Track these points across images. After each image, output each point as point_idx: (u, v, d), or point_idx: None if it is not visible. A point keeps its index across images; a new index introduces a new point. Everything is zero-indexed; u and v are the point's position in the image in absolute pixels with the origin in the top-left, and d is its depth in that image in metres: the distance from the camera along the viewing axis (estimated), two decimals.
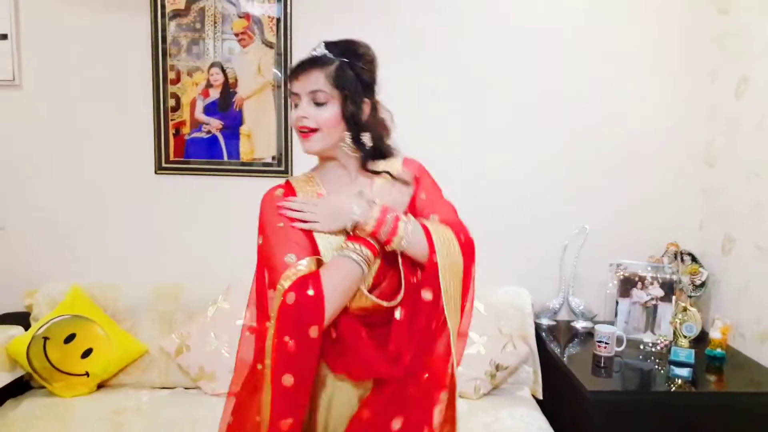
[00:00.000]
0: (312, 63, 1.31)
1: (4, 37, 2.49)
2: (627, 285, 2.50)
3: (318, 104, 1.31)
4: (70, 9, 2.50)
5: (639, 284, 2.48)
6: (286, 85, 2.55)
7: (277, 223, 1.30)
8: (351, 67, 1.33)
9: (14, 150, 2.56)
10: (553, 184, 2.67)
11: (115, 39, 2.53)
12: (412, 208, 1.40)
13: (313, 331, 1.19)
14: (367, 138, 1.36)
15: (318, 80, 1.30)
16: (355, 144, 1.35)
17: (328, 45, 1.34)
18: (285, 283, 1.22)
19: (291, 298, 1.19)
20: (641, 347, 2.40)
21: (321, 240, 1.31)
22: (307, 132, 1.32)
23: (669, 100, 2.64)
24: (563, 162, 2.66)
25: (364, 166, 1.39)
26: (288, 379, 1.20)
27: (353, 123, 1.33)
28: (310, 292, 1.19)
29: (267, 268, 1.31)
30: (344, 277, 1.24)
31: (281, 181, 1.43)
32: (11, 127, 2.55)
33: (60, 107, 2.56)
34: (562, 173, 2.67)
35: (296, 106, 1.33)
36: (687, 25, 2.60)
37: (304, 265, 1.24)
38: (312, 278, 1.21)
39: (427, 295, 1.30)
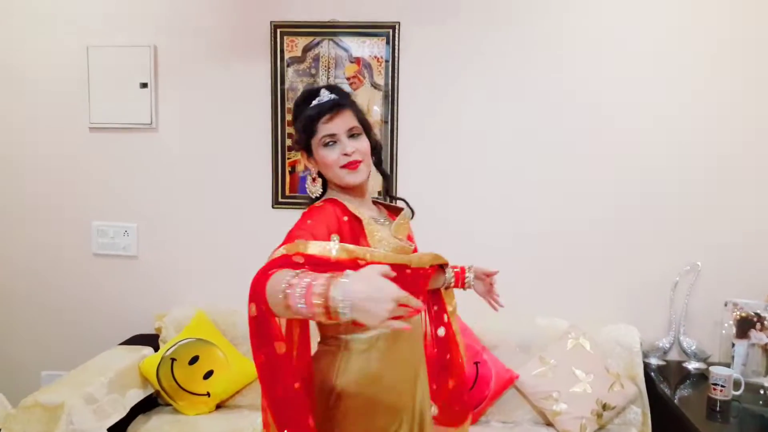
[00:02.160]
0: (340, 105, 1.45)
1: (145, 85, 2.79)
2: (744, 325, 2.39)
3: (353, 138, 1.45)
4: (200, 59, 2.77)
5: (758, 325, 2.36)
6: (392, 121, 2.68)
7: (307, 221, 1.39)
8: (357, 106, 1.53)
9: (151, 185, 2.84)
10: (663, 218, 2.62)
11: (238, 85, 2.76)
12: None
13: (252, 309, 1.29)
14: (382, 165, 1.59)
15: (351, 118, 1.47)
16: (379, 170, 1.55)
17: (331, 89, 1.49)
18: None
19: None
20: (761, 392, 2.28)
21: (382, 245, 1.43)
22: (356, 164, 1.45)
23: None
24: (674, 195, 2.61)
25: (388, 193, 1.64)
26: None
27: (377, 151, 1.53)
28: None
29: None
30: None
31: None
32: (148, 165, 2.83)
33: (189, 147, 2.81)
34: (672, 206, 2.62)
35: (332, 144, 1.44)
36: None
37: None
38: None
39: None
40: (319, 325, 1.47)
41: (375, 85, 2.70)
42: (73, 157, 2.86)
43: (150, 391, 2.55)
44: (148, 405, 2.57)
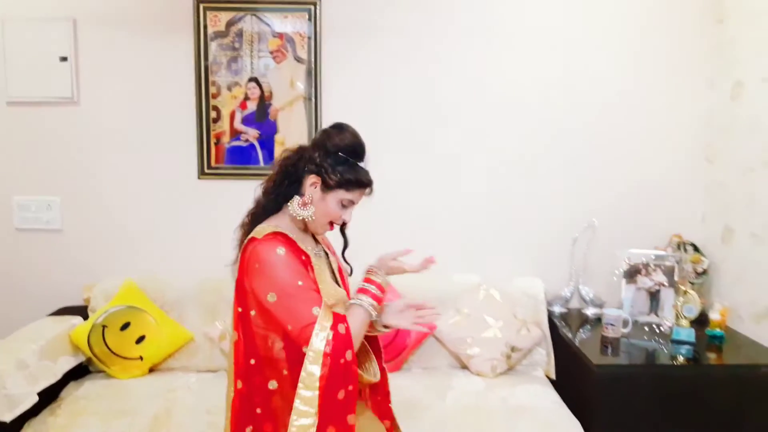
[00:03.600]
0: (372, 190, 1.65)
1: (65, 59, 2.79)
2: (633, 273, 2.70)
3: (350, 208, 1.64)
4: (121, 33, 2.80)
5: (643, 271, 2.67)
6: (315, 97, 2.81)
7: (298, 282, 1.49)
8: None
9: (73, 159, 2.86)
10: (563, 183, 2.89)
11: (162, 59, 2.82)
12: None
13: (349, 354, 1.46)
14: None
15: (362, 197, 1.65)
16: (343, 234, 1.74)
17: (365, 161, 1.65)
18: (326, 323, 1.45)
19: (342, 329, 1.46)
20: (646, 329, 2.59)
21: (324, 292, 1.56)
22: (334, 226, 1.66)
23: (672, 104, 2.86)
24: (573, 162, 2.88)
25: (343, 253, 1.79)
26: (341, 393, 1.46)
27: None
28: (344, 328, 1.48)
29: (289, 320, 1.47)
30: (362, 321, 1.55)
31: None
32: (71, 139, 2.85)
33: (113, 120, 2.85)
34: (572, 173, 2.89)
35: (344, 207, 1.61)
36: (688, 34, 2.82)
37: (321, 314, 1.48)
38: (342, 319, 1.49)
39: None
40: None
41: (298, 59, 2.82)
42: None
43: (81, 358, 2.59)
44: (79, 373, 2.61)
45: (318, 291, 1.53)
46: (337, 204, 1.59)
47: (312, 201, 1.58)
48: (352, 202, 1.62)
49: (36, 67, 2.80)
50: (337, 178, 1.57)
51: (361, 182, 1.60)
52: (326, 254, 1.75)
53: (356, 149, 1.61)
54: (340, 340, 1.45)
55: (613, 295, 2.81)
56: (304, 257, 1.56)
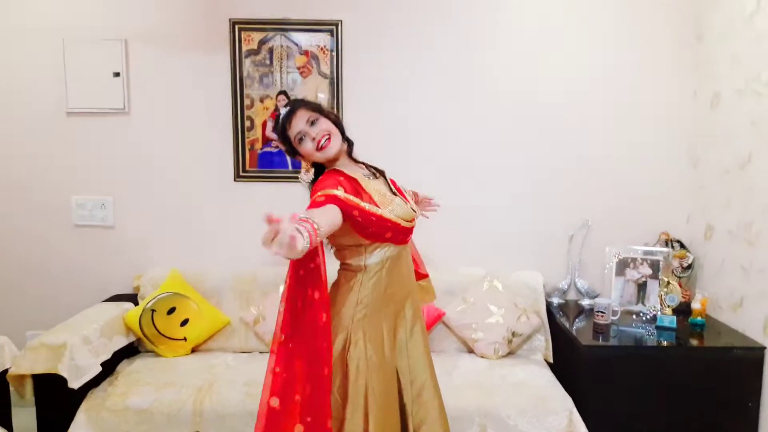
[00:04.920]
0: (292, 111, 1.88)
1: (117, 74, 3.16)
2: (622, 266, 2.99)
3: (313, 125, 1.87)
4: (167, 51, 3.16)
5: (632, 264, 2.96)
6: (337, 107, 3.15)
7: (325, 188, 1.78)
8: (306, 102, 1.95)
9: (125, 163, 3.22)
10: (561, 186, 3.19)
11: (201, 74, 3.17)
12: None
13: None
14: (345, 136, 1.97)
15: (304, 113, 1.88)
16: (345, 139, 1.97)
17: (286, 105, 1.93)
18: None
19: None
20: (633, 316, 2.89)
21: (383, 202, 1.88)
22: (327, 140, 1.86)
23: (661, 114, 3.14)
24: (571, 167, 3.18)
25: (350, 156, 2.00)
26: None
27: (339, 125, 1.96)
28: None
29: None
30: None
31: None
32: (122, 146, 3.21)
33: (160, 129, 3.21)
34: (570, 177, 3.18)
35: (304, 138, 1.87)
36: (674, 51, 3.10)
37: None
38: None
39: None
40: (339, 253, 1.94)
41: (322, 74, 3.16)
42: (53, 139, 3.20)
43: (132, 339, 2.94)
44: (130, 352, 2.97)
45: (335, 199, 1.73)
46: (301, 146, 1.87)
47: (308, 166, 1.93)
48: (298, 133, 1.86)
49: (92, 82, 3.16)
50: (283, 143, 1.93)
51: (281, 126, 1.89)
52: (377, 176, 2.02)
53: (277, 123, 1.93)
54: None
55: (606, 287, 3.10)
56: (342, 177, 1.84)
